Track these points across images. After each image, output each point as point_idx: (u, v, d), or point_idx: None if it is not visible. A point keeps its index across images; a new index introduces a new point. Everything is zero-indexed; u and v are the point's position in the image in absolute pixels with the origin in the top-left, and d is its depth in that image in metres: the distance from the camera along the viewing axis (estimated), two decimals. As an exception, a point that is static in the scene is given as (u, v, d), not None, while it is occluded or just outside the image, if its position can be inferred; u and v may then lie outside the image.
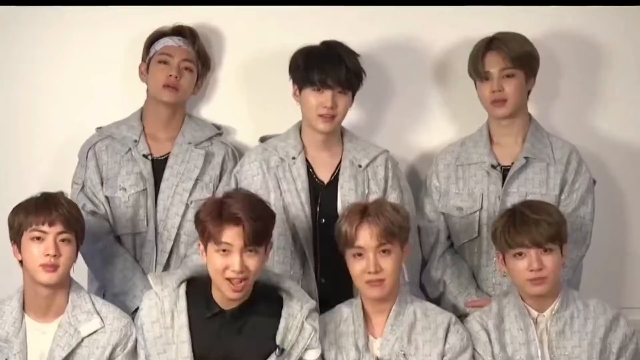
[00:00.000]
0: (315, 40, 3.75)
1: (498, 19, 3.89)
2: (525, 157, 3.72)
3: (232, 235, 3.28)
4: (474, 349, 3.45)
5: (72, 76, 4.02)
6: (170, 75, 3.78)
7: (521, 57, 3.71)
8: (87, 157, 3.81)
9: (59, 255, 3.37)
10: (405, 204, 3.72)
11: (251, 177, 3.71)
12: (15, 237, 3.42)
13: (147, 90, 3.89)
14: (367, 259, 3.39)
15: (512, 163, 3.74)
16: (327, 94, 3.62)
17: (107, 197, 3.78)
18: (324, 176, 3.72)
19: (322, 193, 3.70)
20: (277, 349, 3.33)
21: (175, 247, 3.77)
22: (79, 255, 3.71)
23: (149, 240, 3.77)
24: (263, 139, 3.84)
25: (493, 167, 3.74)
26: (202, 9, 3.97)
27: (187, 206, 3.76)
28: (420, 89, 4.02)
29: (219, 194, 3.65)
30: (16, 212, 3.43)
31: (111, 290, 3.72)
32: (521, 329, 3.44)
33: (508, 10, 3.95)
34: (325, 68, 3.61)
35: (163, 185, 3.79)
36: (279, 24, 3.99)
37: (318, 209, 3.69)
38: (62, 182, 3.82)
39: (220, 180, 3.83)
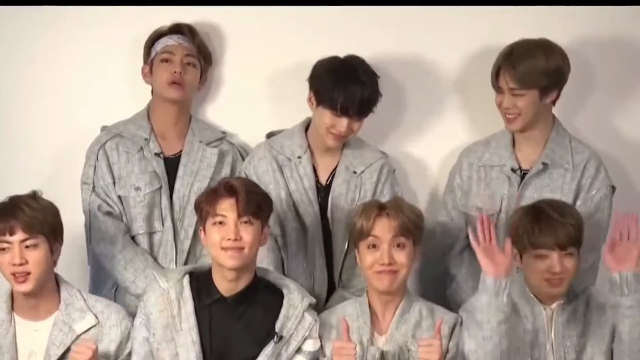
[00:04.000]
0: (318, 41, 3.81)
1: (526, 21, 3.89)
2: (543, 163, 3.72)
3: (226, 206, 3.37)
4: None
5: (74, 76, 3.99)
6: (175, 72, 3.76)
7: (532, 78, 3.64)
8: (97, 158, 3.77)
9: (25, 263, 3.36)
10: None
11: (261, 173, 3.76)
12: None
13: (152, 91, 3.87)
14: (382, 250, 3.43)
15: (531, 167, 3.75)
16: (344, 121, 3.66)
17: (119, 197, 3.76)
18: (323, 178, 3.79)
19: (320, 194, 3.78)
20: (276, 336, 3.39)
21: (192, 247, 3.78)
22: (89, 256, 3.79)
23: (167, 240, 3.77)
24: (270, 135, 3.87)
25: (513, 170, 3.75)
26: (204, 8, 3.95)
27: None
28: (431, 93, 4.04)
29: None
30: None
31: (134, 291, 3.70)
32: (527, 317, 3.46)
33: (535, 10, 3.93)
34: (349, 96, 3.62)
35: (178, 183, 3.78)
36: (280, 24, 3.98)
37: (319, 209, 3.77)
38: (64, 182, 3.81)
39: None
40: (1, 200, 3.43)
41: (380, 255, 3.42)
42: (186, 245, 3.76)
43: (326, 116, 3.66)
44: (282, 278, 3.54)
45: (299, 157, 3.75)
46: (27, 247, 3.36)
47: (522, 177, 3.74)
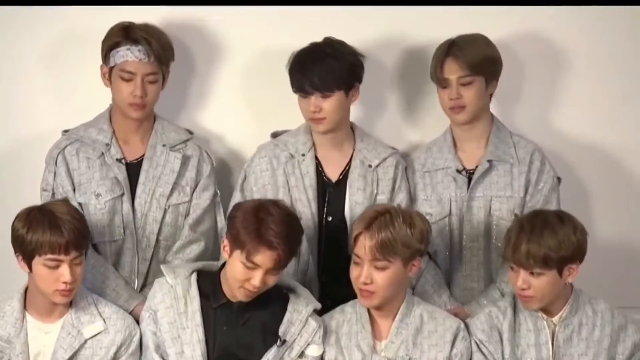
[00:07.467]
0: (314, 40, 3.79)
1: (461, 20, 3.91)
2: (489, 161, 3.73)
3: (264, 259, 3.34)
4: (485, 346, 3.44)
5: (33, 75, 3.93)
6: (135, 95, 3.65)
7: (480, 63, 3.69)
8: (56, 163, 3.68)
9: (75, 281, 3.36)
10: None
11: (260, 172, 3.73)
12: (24, 253, 3.37)
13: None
14: (362, 268, 3.38)
15: (477, 167, 3.74)
16: (309, 100, 3.65)
17: (80, 204, 3.66)
18: (333, 174, 3.76)
19: (330, 191, 3.74)
20: (279, 340, 3.40)
21: (155, 254, 3.72)
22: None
23: (129, 248, 3.70)
24: (275, 135, 3.84)
25: (458, 171, 3.75)
26: (201, 8, 3.93)
27: (165, 211, 3.69)
28: (417, 86, 4.04)
29: (257, 200, 3.54)
30: (26, 229, 3.36)
31: None
32: (530, 330, 3.44)
33: (472, 10, 3.96)
34: (305, 73, 3.63)
35: (139, 190, 3.70)
36: (278, 24, 3.97)
37: (325, 207, 3.73)
38: (23, 187, 3.79)
39: (196, 183, 3.76)
40: (31, 208, 3.40)
41: (360, 273, 3.38)
42: (148, 253, 3.70)
43: (300, 102, 3.67)
44: (289, 282, 3.53)
45: (303, 155, 3.73)
46: (75, 264, 3.36)
47: (469, 177, 3.75)
